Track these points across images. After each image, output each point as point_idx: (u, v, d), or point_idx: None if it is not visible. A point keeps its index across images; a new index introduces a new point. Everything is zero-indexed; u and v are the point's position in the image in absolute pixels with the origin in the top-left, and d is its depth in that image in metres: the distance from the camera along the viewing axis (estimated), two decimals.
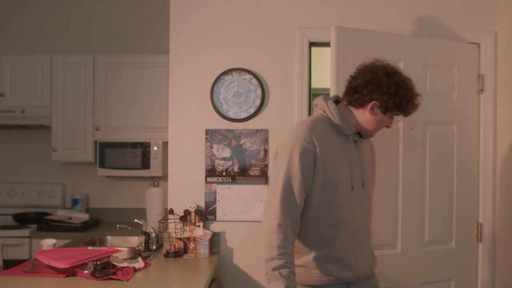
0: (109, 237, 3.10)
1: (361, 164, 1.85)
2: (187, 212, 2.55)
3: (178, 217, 2.55)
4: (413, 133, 2.46)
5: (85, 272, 2.03)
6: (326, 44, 2.46)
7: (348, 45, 2.29)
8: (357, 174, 1.82)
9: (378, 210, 2.23)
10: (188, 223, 2.55)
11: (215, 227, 2.60)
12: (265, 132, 2.60)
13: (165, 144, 3.47)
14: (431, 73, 2.50)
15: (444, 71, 2.53)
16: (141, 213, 3.32)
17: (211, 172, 2.60)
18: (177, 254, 2.47)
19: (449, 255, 2.53)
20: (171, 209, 2.58)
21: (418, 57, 2.45)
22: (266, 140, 2.60)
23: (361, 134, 1.88)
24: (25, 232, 3.34)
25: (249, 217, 2.59)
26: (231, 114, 2.61)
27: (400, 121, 2.40)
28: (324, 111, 1.83)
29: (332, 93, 2.23)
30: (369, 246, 1.90)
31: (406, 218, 2.43)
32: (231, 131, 2.61)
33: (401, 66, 2.33)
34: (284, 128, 2.59)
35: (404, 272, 2.42)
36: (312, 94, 2.63)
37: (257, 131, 2.60)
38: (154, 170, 3.48)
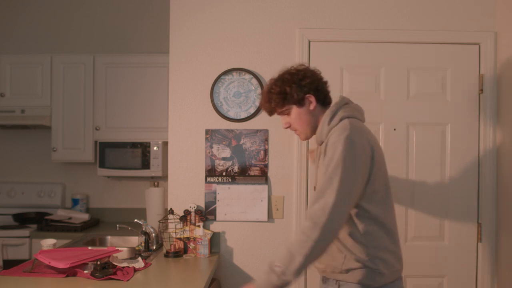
0: (109, 237, 3.10)
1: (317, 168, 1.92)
2: (187, 212, 2.55)
3: (178, 217, 2.55)
4: (396, 134, 2.60)
5: (85, 272, 2.03)
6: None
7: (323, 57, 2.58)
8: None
9: None
10: (188, 223, 2.55)
11: (215, 227, 2.60)
12: (265, 132, 2.60)
13: (165, 144, 3.47)
14: (417, 76, 2.62)
15: (434, 74, 2.61)
16: (141, 213, 3.32)
17: (211, 172, 2.60)
18: (177, 254, 2.47)
19: (440, 252, 2.61)
20: (171, 209, 2.58)
21: (401, 62, 2.60)
22: (266, 140, 2.60)
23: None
24: (25, 232, 3.33)
25: (249, 217, 2.59)
26: (231, 114, 2.61)
27: (382, 123, 2.61)
28: None
29: None
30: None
31: None
32: (231, 131, 2.61)
33: (382, 72, 2.60)
34: (284, 128, 2.58)
35: None
36: None
37: (257, 131, 2.60)
38: (154, 170, 3.48)
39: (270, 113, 1.98)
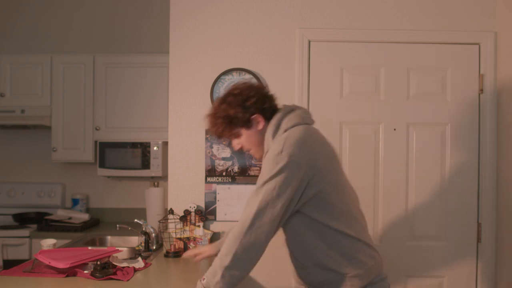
0: (109, 237, 3.10)
1: None
2: (187, 212, 2.55)
3: (178, 217, 2.55)
4: (396, 134, 2.61)
5: (85, 272, 2.03)
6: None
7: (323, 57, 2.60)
8: None
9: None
10: (188, 223, 2.55)
11: (215, 227, 2.60)
12: None
13: (165, 144, 3.47)
14: (417, 76, 2.62)
15: (434, 74, 2.62)
16: (141, 213, 3.32)
17: (211, 172, 2.60)
18: (177, 254, 2.47)
19: (440, 252, 2.61)
20: (171, 209, 2.58)
21: (401, 62, 2.61)
22: None
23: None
24: (25, 232, 3.33)
25: None
26: None
27: (382, 123, 2.61)
28: None
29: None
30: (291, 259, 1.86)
31: (387, 214, 2.60)
32: None
33: (382, 72, 2.60)
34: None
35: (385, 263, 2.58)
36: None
37: None
38: (154, 170, 3.48)
39: (219, 137, 1.87)
